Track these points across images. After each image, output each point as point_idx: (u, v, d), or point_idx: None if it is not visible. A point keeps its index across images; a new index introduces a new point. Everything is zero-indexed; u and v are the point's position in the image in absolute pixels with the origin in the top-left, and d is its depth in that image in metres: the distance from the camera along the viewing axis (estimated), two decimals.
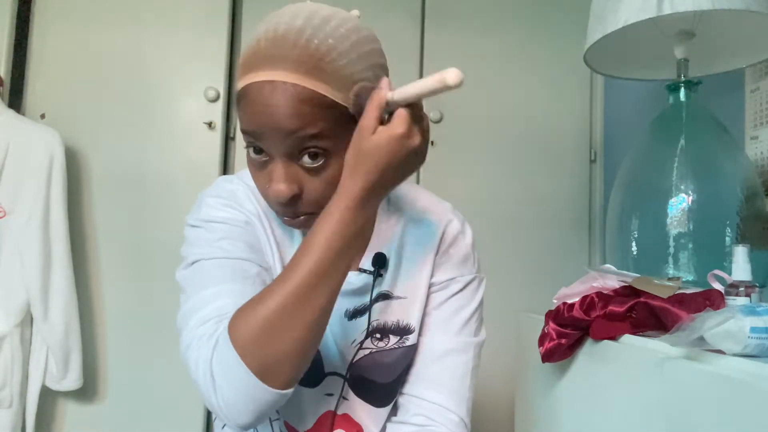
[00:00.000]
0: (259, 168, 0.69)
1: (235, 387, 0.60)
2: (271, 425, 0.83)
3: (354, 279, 0.79)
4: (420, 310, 0.82)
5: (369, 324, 0.80)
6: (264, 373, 0.59)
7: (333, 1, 0.71)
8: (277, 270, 0.78)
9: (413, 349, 0.82)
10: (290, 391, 0.62)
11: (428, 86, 0.58)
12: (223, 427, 0.88)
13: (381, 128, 0.62)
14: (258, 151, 0.68)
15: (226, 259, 0.71)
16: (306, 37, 0.63)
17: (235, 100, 0.69)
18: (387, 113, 0.64)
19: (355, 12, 0.71)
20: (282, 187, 0.66)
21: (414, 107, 0.63)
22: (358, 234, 0.63)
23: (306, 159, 0.66)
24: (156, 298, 1.63)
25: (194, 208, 0.78)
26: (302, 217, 0.70)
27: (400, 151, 0.62)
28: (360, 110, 0.65)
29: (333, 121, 0.65)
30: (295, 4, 0.67)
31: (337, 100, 0.64)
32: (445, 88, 0.57)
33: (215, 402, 0.61)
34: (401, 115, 0.62)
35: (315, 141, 0.65)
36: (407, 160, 0.63)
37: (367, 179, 0.62)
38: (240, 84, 0.67)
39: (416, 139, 0.63)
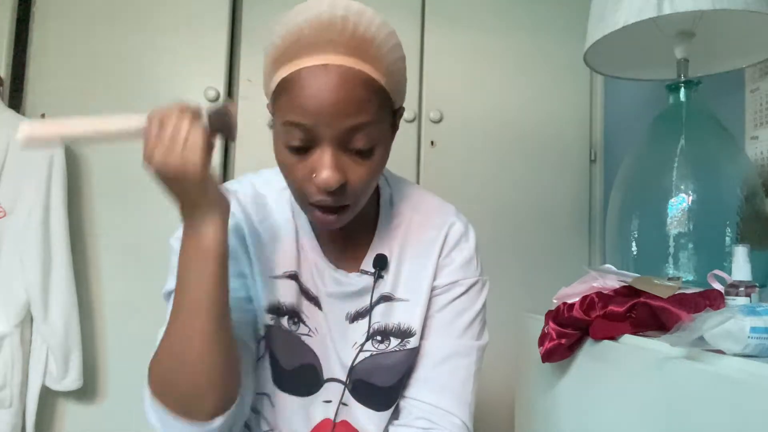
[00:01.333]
0: (299, 159, 0.67)
1: (170, 430, 0.63)
2: None
3: (355, 280, 0.79)
4: (422, 313, 0.81)
5: (370, 326, 0.79)
6: (184, 411, 0.62)
7: None
8: (255, 274, 0.78)
9: (415, 352, 0.81)
10: (219, 420, 0.64)
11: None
12: None
13: None
14: (299, 141, 0.65)
15: None
16: (352, 24, 0.64)
17: (273, 90, 0.68)
18: None
19: None
20: (330, 174, 0.64)
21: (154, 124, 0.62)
22: (204, 254, 0.63)
23: (356, 145, 0.65)
24: (156, 298, 1.62)
25: None
26: (338, 214, 0.69)
27: (154, 174, 0.62)
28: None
29: (380, 106, 0.66)
30: None
31: (384, 86, 0.66)
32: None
33: None
34: None
35: (367, 128, 0.64)
36: (166, 180, 0.62)
37: (177, 206, 0.65)
38: (281, 73, 0.65)
39: (153, 161, 0.60)
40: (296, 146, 0.66)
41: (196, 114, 0.62)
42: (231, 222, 0.75)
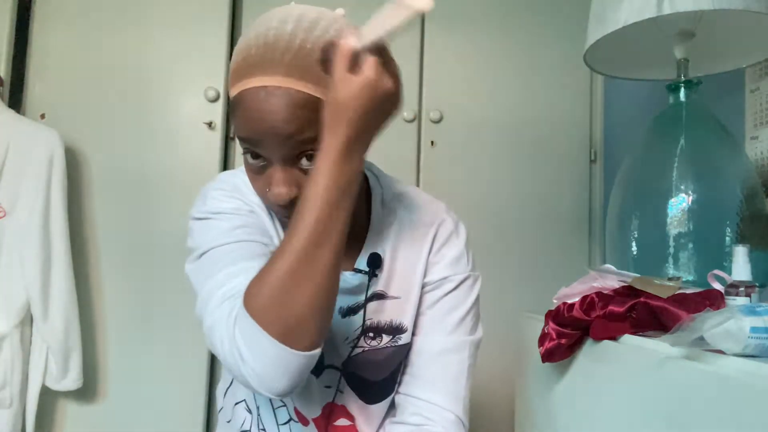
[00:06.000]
0: (256, 173, 0.70)
1: (262, 356, 0.60)
2: (274, 412, 0.84)
3: (350, 278, 0.80)
4: (413, 310, 0.82)
5: (363, 323, 0.81)
6: (286, 336, 0.59)
7: (335, 0, 0.71)
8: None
9: (406, 348, 0.83)
10: (317, 352, 0.62)
11: (397, 20, 0.58)
12: (225, 394, 0.90)
13: (353, 78, 0.60)
14: (255, 156, 0.68)
15: (242, 242, 0.71)
16: (298, 41, 0.63)
17: (230, 107, 0.70)
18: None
19: (341, 11, 0.70)
20: (282, 191, 0.67)
21: (382, 52, 0.62)
22: (349, 186, 0.63)
23: (304, 162, 0.67)
24: (156, 297, 1.63)
25: (198, 201, 0.79)
26: None
27: (374, 96, 0.61)
28: (330, 67, 0.63)
29: None
30: (282, 7, 0.67)
31: None
32: (415, 15, 0.56)
33: (247, 375, 0.61)
34: (369, 62, 0.61)
35: (312, 144, 0.65)
36: (382, 105, 0.62)
37: (348, 131, 0.61)
38: (233, 91, 0.67)
39: (388, 83, 0.62)
40: (252, 160, 0.69)
41: None
42: (258, 204, 0.78)
